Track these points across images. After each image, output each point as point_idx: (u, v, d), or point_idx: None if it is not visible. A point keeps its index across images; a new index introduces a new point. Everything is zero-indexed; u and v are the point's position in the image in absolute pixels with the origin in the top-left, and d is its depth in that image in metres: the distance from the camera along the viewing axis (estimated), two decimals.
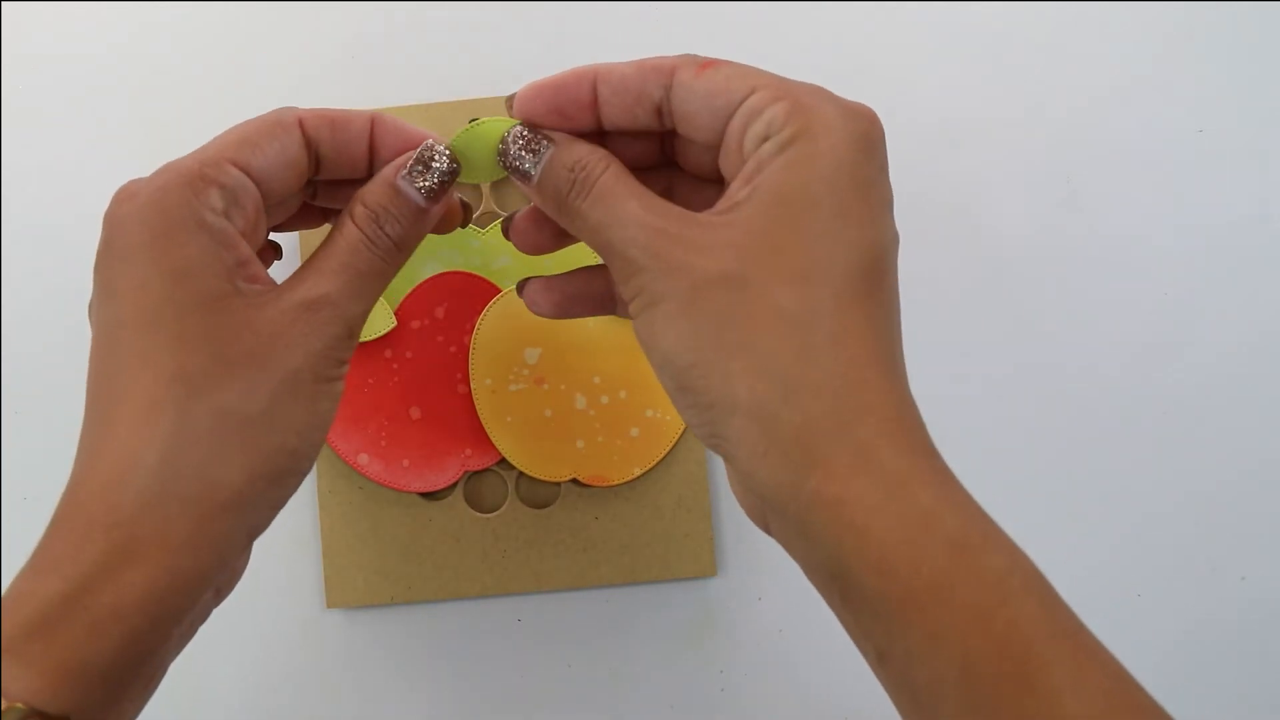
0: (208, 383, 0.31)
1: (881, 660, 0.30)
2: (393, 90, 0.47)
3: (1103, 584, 0.47)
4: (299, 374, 0.32)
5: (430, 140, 0.34)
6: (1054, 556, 0.46)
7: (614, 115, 0.35)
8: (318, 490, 0.45)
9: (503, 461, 0.45)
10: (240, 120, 0.42)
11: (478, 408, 0.44)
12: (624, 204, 0.32)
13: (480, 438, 0.45)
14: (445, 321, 0.45)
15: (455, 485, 0.45)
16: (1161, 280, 0.47)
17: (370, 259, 0.34)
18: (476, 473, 0.45)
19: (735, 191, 0.32)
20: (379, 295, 0.34)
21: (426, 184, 0.34)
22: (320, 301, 0.32)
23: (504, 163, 0.34)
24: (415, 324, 0.45)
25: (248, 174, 0.32)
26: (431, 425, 0.45)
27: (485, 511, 0.45)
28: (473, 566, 0.45)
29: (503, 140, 0.34)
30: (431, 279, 0.45)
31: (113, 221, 0.32)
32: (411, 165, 0.34)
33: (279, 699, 0.46)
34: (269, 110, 0.35)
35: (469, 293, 0.45)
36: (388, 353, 0.45)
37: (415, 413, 0.45)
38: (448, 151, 0.34)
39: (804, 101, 0.32)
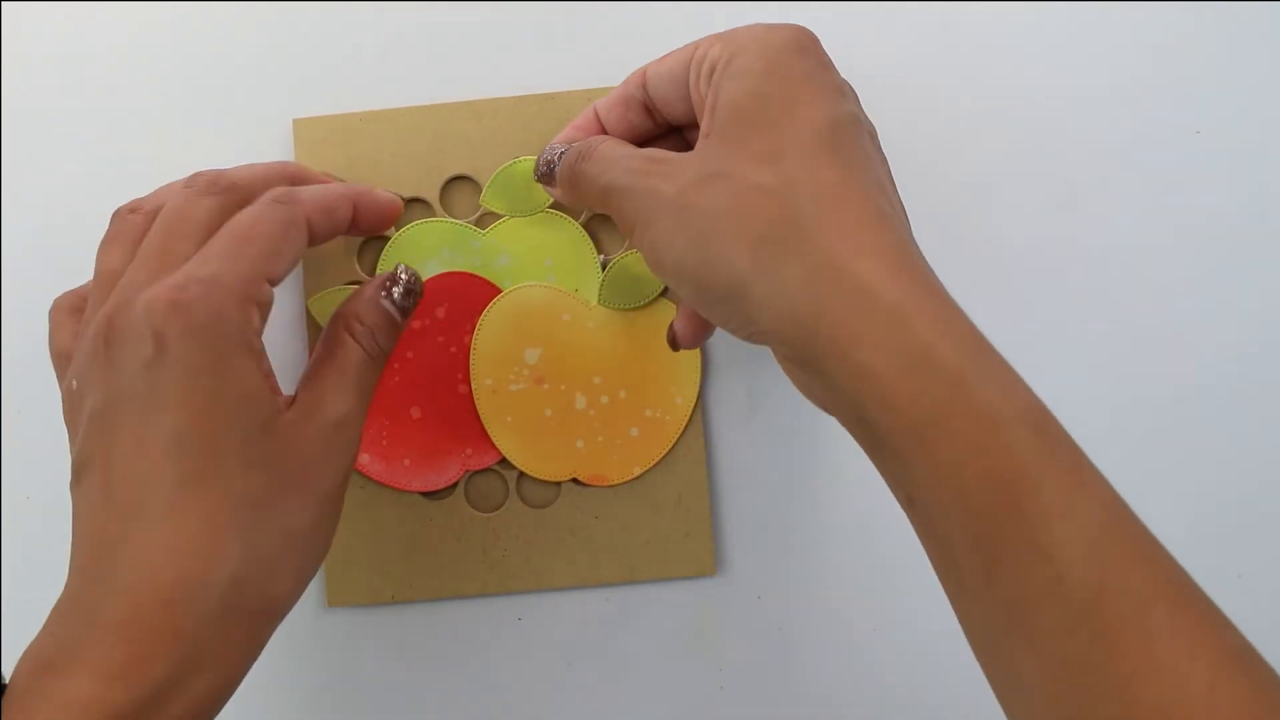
0: (269, 505, 0.33)
1: (910, 504, 0.31)
2: (394, 91, 0.46)
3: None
4: (334, 491, 0.35)
5: (398, 265, 0.40)
6: None
7: (618, 130, 0.41)
8: None
9: (503, 461, 0.45)
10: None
11: (478, 407, 0.45)
12: (618, 150, 0.37)
13: (481, 437, 0.45)
14: (446, 322, 0.45)
15: (456, 485, 0.45)
16: (1159, 281, 0.47)
17: (373, 373, 0.37)
18: (477, 472, 0.45)
19: (705, 125, 0.36)
20: None
21: (401, 300, 0.39)
22: (345, 422, 0.35)
23: (538, 172, 0.41)
24: (416, 324, 0.45)
25: (272, 284, 0.35)
26: (432, 425, 0.45)
27: (486, 511, 0.45)
28: (473, 565, 0.45)
29: (539, 158, 0.41)
30: (432, 279, 0.45)
31: (165, 333, 0.32)
32: (389, 285, 0.39)
33: (278, 697, 0.46)
34: (274, 173, 0.40)
35: (469, 293, 0.45)
36: None
37: (416, 412, 0.45)
38: (411, 270, 0.40)
39: (734, 34, 0.36)
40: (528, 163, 0.44)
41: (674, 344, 0.41)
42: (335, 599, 0.45)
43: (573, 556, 0.45)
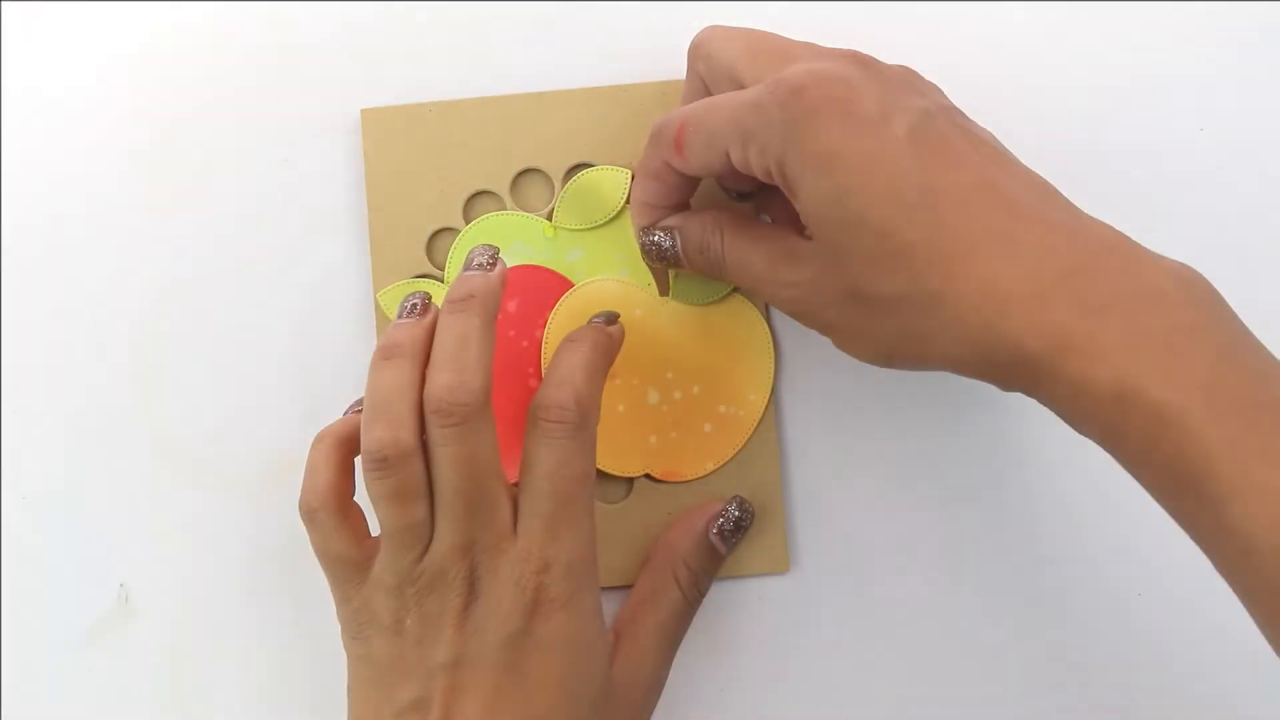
0: None
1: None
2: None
3: (1103, 583, 0.47)
4: None
5: (733, 498, 0.43)
6: (1053, 555, 0.46)
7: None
8: None
9: None
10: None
11: None
12: (751, 264, 0.38)
13: None
14: (517, 315, 0.44)
15: None
16: None
17: (688, 622, 0.41)
18: None
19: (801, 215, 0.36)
20: None
21: (731, 534, 0.42)
22: (654, 685, 0.40)
23: (650, 258, 0.41)
24: None
25: None
26: (502, 419, 0.44)
27: None
28: None
29: (643, 243, 0.41)
30: None
31: (536, 613, 0.35)
32: (721, 525, 0.42)
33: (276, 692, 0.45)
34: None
35: (542, 287, 0.44)
36: None
37: None
38: (745, 504, 0.42)
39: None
40: (593, 174, 0.44)
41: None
42: None
43: (643, 555, 0.44)
